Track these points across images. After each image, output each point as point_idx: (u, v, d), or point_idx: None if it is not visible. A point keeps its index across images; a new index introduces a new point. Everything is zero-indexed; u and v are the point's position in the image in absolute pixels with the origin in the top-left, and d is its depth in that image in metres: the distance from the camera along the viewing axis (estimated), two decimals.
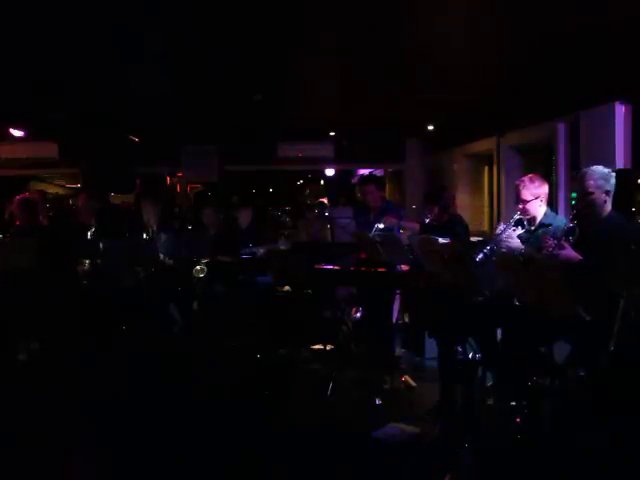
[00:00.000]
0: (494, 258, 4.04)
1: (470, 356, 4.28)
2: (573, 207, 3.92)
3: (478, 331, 4.22)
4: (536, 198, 4.29)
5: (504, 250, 4.17)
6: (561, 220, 4.40)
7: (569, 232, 3.77)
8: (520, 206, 4.34)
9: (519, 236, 4.30)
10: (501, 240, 4.25)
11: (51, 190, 14.08)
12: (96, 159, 10.95)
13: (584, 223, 3.78)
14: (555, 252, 3.67)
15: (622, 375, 3.24)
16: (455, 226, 5.51)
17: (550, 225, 4.23)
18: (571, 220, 3.80)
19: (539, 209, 4.33)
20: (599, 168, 3.85)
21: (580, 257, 3.67)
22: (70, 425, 4.44)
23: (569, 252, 3.70)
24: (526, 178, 4.41)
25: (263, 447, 4.12)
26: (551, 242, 3.75)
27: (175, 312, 6.75)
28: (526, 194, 4.30)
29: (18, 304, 5.39)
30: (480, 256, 4.14)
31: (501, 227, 4.39)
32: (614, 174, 3.85)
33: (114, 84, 6.98)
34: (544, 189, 4.34)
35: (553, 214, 4.48)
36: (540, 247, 3.92)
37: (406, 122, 10.19)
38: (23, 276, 5.35)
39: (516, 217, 4.33)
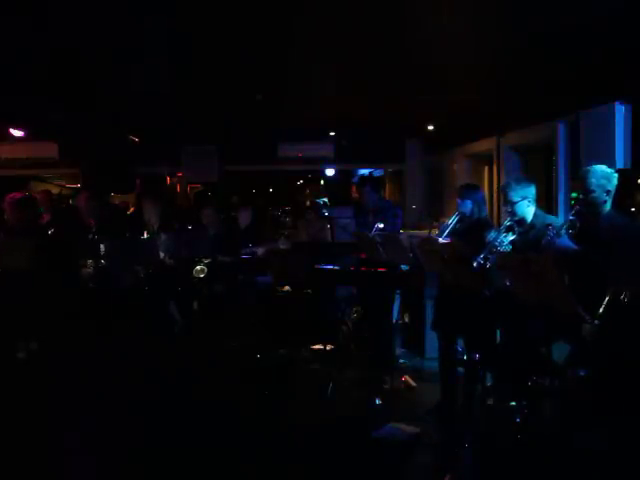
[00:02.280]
0: (489, 265, 4.04)
1: (470, 356, 4.28)
2: (574, 205, 3.91)
3: (478, 331, 4.22)
4: (523, 199, 4.27)
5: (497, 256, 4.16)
6: (551, 218, 4.39)
7: (571, 225, 3.77)
8: (509, 209, 4.32)
9: (512, 242, 4.26)
10: (494, 247, 4.22)
11: (52, 191, 14.07)
12: (96, 159, 10.96)
13: (585, 220, 3.79)
14: (553, 240, 3.68)
15: (622, 375, 3.24)
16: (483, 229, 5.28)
17: (549, 225, 4.22)
18: (573, 214, 3.80)
19: (527, 210, 4.29)
20: (601, 167, 3.85)
21: (576, 248, 3.68)
22: (70, 425, 4.44)
23: (566, 242, 3.70)
24: (511, 180, 4.41)
25: (263, 447, 4.12)
26: (551, 232, 3.77)
27: (175, 312, 6.75)
28: (513, 195, 4.27)
29: (16, 304, 5.38)
30: (474, 265, 4.09)
31: (492, 234, 4.36)
32: (616, 174, 3.85)
33: (114, 83, 6.98)
34: (531, 190, 4.31)
35: (542, 213, 4.41)
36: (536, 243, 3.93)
37: (406, 122, 10.19)
38: (21, 276, 5.34)
39: (507, 223, 4.29)
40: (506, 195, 4.32)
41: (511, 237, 4.25)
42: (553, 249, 3.65)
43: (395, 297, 6.05)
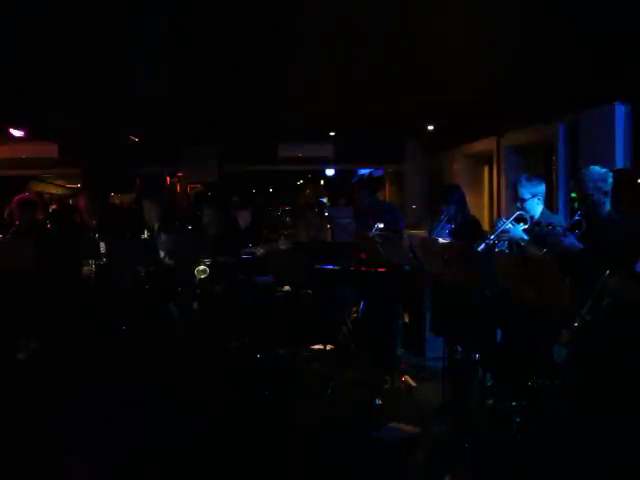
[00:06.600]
0: (496, 250, 4.06)
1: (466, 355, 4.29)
2: (579, 207, 3.91)
3: (478, 331, 4.22)
4: (533, 196, 4.34)
5: (505, 241, 4.20)
6: (557, 218, 4.43)
7: (576, 225, 3.78)
8: (519, 205, 4.37)
9: (524, 230, 4.31)
10: (503, 231, 4.26)
11: (52, 191, 14.09)
12: (96, 159, 10.96)
13: (588, 222, 3.80)
14: (561, 239, 3.70)
15: (622, 375, 3.24)
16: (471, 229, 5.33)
17: (550, 225, 4.24)
18: (580, 214, 3.81)
19: (536, 207, 4.38)
20: (596, 168, 3.87)
21: (582, 247, 3.69)
22: (70, 425, 4.43)
23: (573, 241, 3.71)
24: (523, 177, 4.48)
25: (263, 447, 4.12)
26: (559, 230, 3.79)
27: (175, 312, 6.74)
28: (524, 192, 4.35)
29: (17, 303, 5.38)
30: (482, 246, 4.13)
31: (501, 222, 4.41)
32: (611, 173, 3.87)
33: (114, 84, 6.97)
34: (541, 188, 4.40)
35: (549, 213, 4.51)
36: (541, 240, 3.94)
37: (406, 122, 10.19)
38: (22, 275, 5.34)
39: (517, 213, 4.36)
40: (517, 192, 4.38)
41: (523, 226, 4.29)
42: (560, 247, 3.66)
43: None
